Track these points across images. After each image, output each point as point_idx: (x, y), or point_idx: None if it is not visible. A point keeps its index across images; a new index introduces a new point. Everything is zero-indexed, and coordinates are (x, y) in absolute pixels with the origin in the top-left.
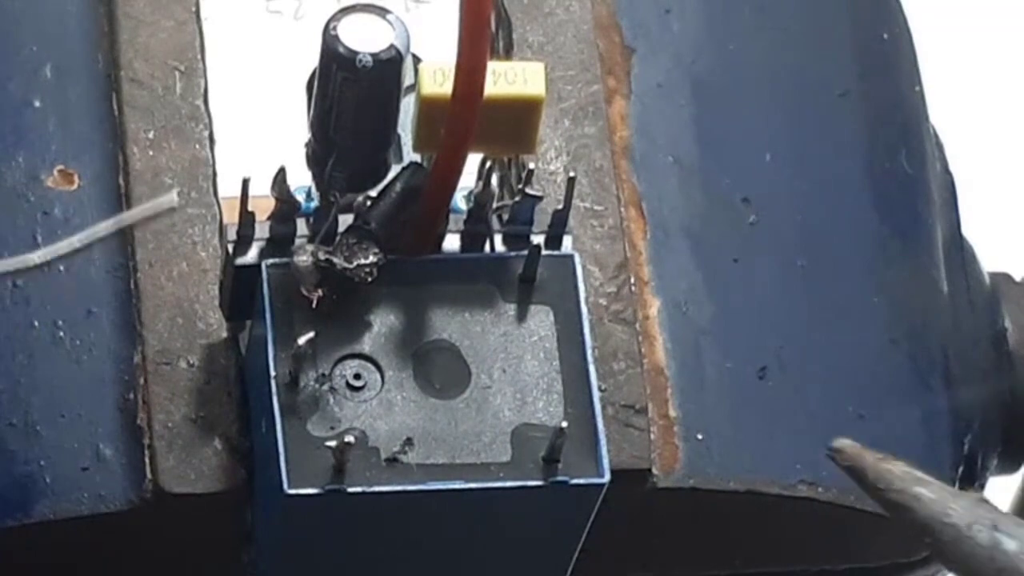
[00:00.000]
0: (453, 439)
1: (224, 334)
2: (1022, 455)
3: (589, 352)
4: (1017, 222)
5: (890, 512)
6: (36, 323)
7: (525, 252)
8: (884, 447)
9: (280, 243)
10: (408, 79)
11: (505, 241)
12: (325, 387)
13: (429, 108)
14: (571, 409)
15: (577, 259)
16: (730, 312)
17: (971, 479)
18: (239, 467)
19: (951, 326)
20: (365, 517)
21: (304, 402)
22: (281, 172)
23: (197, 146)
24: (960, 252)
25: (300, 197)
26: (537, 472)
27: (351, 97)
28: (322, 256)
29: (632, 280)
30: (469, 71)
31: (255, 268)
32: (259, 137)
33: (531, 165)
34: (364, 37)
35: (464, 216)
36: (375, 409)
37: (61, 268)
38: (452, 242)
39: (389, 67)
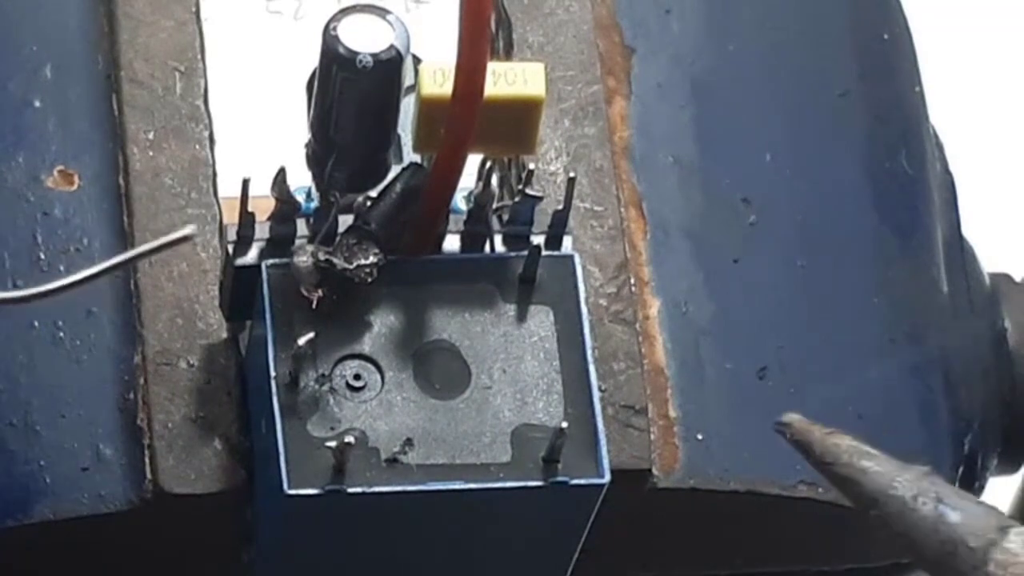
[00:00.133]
0: (453, 439)
1: (224, 334)
2: (1022, 455)
3: (589, 352)
4: (1017, 222)
5: (837, 486)
6: (36, 323)
7: (525, 252)
8: (884, 447)
9: (280, 243)
10: (408, 79)
11: (505, 241)
12: (325, 387)
13: (429, 108)
14: (571, 409)
15: (577, 259)
16: (730, 312)
17: (971, 479)
18: (239, 467)
19: (951, 326)
20: (365, 517)
21: (304, 402)
22: (281, 172)
23: (197, 146)
24: (960, 252)
25: (300, 197)
26: (537, 472)
27: (351, 97)
28: (322, 256)
29: (632, 280)
30: (469, 71)
31: (255, 268)
32: (259, 137)
33: (531, 165)
34: (364, 37)
35: (464, 216)
36: (375, 409)
37: (61, 268)
38: (452, 242)
39: (389, 67)
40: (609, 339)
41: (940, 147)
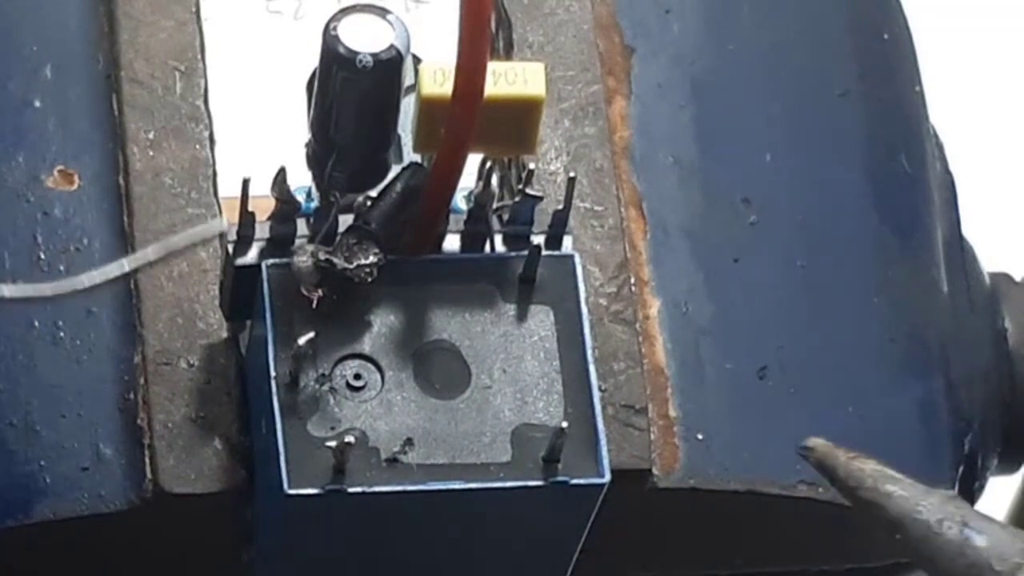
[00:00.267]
0: (453, 439)
1: (224, 334)
2: (1022, 455)
3: (589, 352)
4: (1017, 222)
5: (861, 510)
6: (36, 323)
7: (525, 252)
8: (884, 447)
9: (280, 243)
10: (408, 79)
11: (505, 241)
12: (325, 387)
13: (429, 108)
14: (571, 409)
15: (577, 259)
16: (730, 312)
17: (971, 479)
18: (239, 467)
19: (951, 326)
20: (365, 517)
21: (304, 402)
22: (281, 172)
23: (197, 146)
24: (960, 252)
25: (300, 197)
26: (537, 472)
27: (351, 97)
28: (322, 256)
29: (632, 280)
30: (469, 71)
31: (255, 268)
32: (259, 137)
33: (531, 165)
34: (364, 37)
35: (464, 216)
36: (375, 409)
37: (61, 268)
38: (452, 242)
39: (389, 67)
40: (609, 339)
41: (940, 147)
